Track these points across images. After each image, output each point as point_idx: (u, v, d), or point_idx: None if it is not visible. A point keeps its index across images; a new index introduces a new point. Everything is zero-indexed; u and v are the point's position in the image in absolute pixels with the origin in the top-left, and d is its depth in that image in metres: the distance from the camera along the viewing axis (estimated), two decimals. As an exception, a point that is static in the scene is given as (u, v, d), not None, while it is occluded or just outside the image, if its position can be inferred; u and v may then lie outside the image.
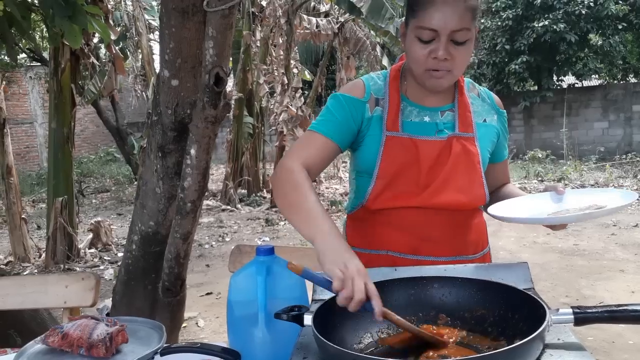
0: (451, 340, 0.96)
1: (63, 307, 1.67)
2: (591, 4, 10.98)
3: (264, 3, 8.39)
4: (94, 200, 10.57)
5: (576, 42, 11.33)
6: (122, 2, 10.34)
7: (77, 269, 5.53)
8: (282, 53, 8.53)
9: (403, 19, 1.34)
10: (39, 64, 11.82)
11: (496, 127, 1.42)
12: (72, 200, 5.78)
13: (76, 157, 9.90)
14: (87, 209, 9.37)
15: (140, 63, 10.69)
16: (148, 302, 2.07)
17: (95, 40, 6.45)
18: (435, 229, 1.33)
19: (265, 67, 8.77)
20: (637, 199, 1.22)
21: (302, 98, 8.48)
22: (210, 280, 5.01)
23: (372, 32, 9.07)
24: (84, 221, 7.62)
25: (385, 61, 8.99)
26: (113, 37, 5.32)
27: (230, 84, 8.54)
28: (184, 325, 3.57)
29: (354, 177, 1.42)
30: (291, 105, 8.06)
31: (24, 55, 10.41)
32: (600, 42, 11.29)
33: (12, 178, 5.81)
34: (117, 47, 6.30)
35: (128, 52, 10.60)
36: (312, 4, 9.59)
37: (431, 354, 0.91)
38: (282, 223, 7.36)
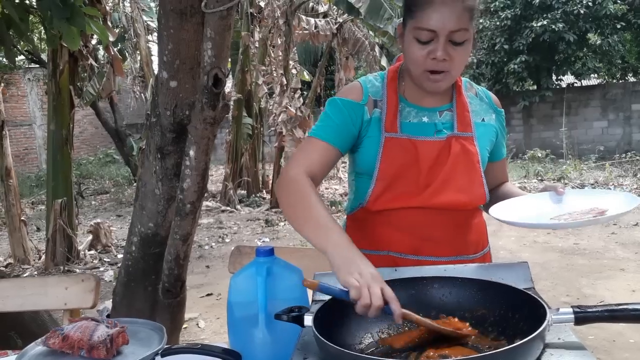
0: (472, 336, 0.96)
1: (63, 309, 1.67)
2: (590, 3, 10.98)
3: (262, 4, 8.37)
4: (93, 202, 10.55)
5: (575, 42, 11.33)
6: (121, 4, 10.33)
7: (77, 270, 5.52)
8: (280, 54, 8.53)
9: (400, 19, 1.35)
10: (37, 65, 11.84)
11: (495, 126, 1.43)
12: (71, 201, 5.77)
13: (75, 158, 9.92)
14: (86, 211, 9.35)
15: (138, 64, 10.70)
16: (148, 304, 2.07)
17: (94, 41, 6.43)
18: (435, 229, 1.33)
19: (264, 68, 8.76)
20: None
21: (301, 99, 8.46)
22: (211, 281, 5.01)
23: (370, 32, 9.04)
24: (83, 223, 7.61)
25: (384, 61, 8.97)
26: (111, 39, 5.34)
27: (228, 85, 8.54)
28: (184, 326, 3.57)
29: (353, 178, 1.43)
30: (290, 105, 8.05)
31: (22, 57, 10.42)
32: (599, 42, 11.29)
33: (11, 180, 5.80)
34: (115, 49, 6.30)
35: (126, 54, 10.57)
36: (311, 4, 9.58)
37: (432, 353, 0.91)
38: (282, 224, 7.36)
